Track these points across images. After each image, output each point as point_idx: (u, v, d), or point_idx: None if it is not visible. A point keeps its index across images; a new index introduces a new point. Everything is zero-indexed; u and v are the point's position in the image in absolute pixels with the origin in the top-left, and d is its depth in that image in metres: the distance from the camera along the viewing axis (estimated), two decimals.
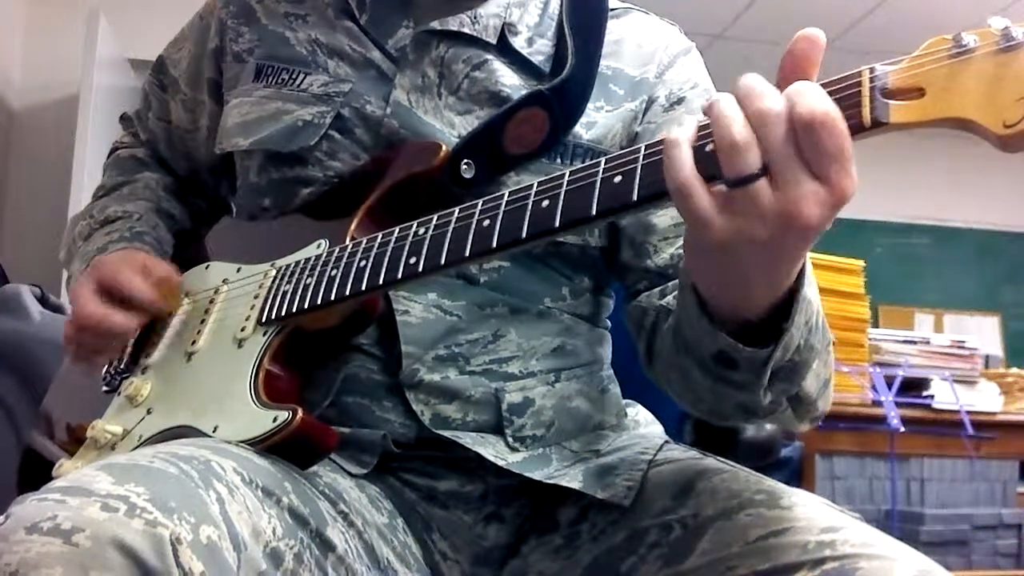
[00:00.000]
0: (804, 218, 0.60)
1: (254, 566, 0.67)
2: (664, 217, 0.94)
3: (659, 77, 1.00)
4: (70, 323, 0.96)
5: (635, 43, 1.01)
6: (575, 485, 0.87)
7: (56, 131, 3.67)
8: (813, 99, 0.59)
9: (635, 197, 0.69)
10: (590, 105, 0.96)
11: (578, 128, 0.94)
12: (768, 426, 1.43)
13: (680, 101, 0.99)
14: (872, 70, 0.63)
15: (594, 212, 0.70)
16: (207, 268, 1.02)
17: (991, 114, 0.59)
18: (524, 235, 0.73)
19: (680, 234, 0.93)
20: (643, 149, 0.70)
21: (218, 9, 1.08)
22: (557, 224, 0.71)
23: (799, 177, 0.59)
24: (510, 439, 0.90)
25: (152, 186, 1.14)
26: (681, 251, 0.92)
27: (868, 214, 5.40)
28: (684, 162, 0.62)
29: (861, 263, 2.74)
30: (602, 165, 0.71)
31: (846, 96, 0.62)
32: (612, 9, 1.02)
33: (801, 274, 0.68)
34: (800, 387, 0.75)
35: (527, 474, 0.88)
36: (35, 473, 0.96)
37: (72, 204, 3.26)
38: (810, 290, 0.69)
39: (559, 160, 0.93)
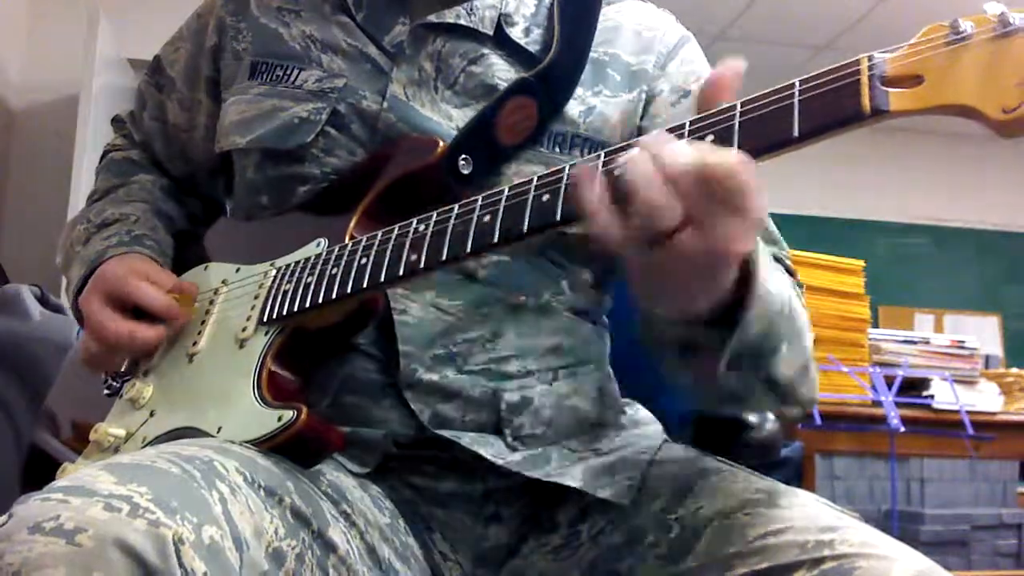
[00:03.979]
0: (733, 252, 0.64)
1: (256, 566, 0.67)
2: None
3: (660, 69, 1.00)
4: (95, 342, 0.94)
5: (632, 29, 1.01)
6: (575, 484, 0.87)
7: (56, 131, 3.67)
8: (706, 152, 0.61)
9: None
10: (588, 90, 0.96)
11: (576, 116, 0.95)
12: (768, 426, 1.43)
13: (687, 95, 0.99)
14: (870, 58, 0.63)
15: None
16: (206, 269, 1.01)
17: (990, 100, 0.59)
18: (526, 229, 0.73)
19: None
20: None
21: (218, 7, 1.08)
22: (559, 217, 0.72)
23: (722, 219, 0.62)
24: (509, 438, 0.90)
25: (148, 187, 1.14)
26: None
27: (868, 214, 5.41)
28: (597, 208, 0.64)
29: (861, 263, 2.74)
30: (602, 157, 0.72)
31: (845, 85, 0.63)
32: None
33: (752, 272, 0.69)
34: (770, 372, 0.76)
35: (526, 473, 0.88)
36: (40, 471, 0.96)
37: (72, 204, 3.26)
38: (766, 285, 0.70)
39: (558, 151, 0.93)
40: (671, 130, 0.70)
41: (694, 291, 0.67)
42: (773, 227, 0.97)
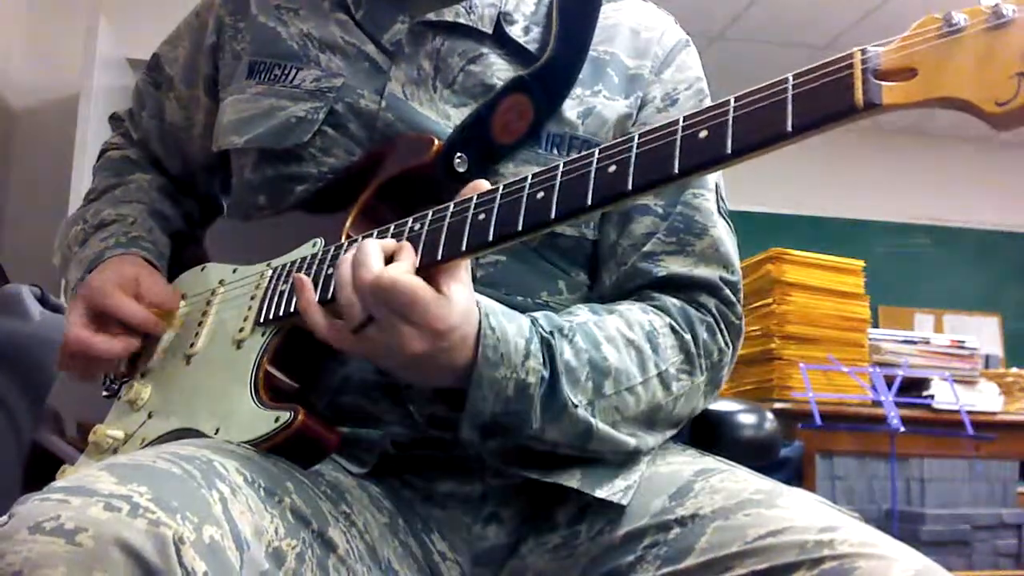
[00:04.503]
0: (408, 351, 0.75)
1: (256, 566, 0.67)
2: (640, 224, 0.95)
3: (656, 75, 1.00)
4: (61, 348, 0.96)
5: (631, 29, 1.01)
6: (573, 484, 0.87)
7: (56, 131, 3.66)
8: (395, 267, 0.74)
9: (630, 186, 0.69)
10: (587, 89, 0.96)
11: (574, 118, 0.95)
12: (767, 425, 1.43)
13: (674, 103, 0.99)
14: (863, 51, 0.63)
15: (590, 202, 0.71)
16: (203, 270, 1.01)
17: (983, 93, 0.59)
18: (520, 227, 0.73)
19: (646, 242, 0.94)
20: (636, 138, 0.70)
21: (217, 6, 1.08)
22: (553, 215, 0.72)
23: (394, 323, 0.75)
24: None
25: (145, 187, 1.13)
26: (641, 262, 0.94)
27: (868, 214, 5.41)
28: (317, 319, 0.80)
29: (861, 263, 2.74)
30: (596, 155, 0.72)
31: (838, 79, 0.63)
32: None
33: (476, 360, 0.78)
34: (529, 436, 0.82)
35: (525, 473, 0.88)
36: (42, 471, 0.96)
37: (72, 204, 3.26)
38: (497, 370, 0.79)
39: (555, 152, 0.93)
40: (666, 125, 0.70)
41: (410, 373, 0.80)
42: (726, 248, 0.96)
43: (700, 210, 0.96)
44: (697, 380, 0.91)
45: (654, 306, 0.92)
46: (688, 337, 0.91)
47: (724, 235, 0.96)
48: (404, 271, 0.74)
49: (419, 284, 0.74)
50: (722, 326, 0.93)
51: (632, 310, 0.90)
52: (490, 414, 0.80)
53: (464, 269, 0.78)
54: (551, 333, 0.83)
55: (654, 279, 0.93)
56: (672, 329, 0.90)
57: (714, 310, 0.93)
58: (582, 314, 0.88)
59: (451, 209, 0.78)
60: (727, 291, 0.94)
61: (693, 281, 0.93)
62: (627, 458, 0.88)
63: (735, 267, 0.97)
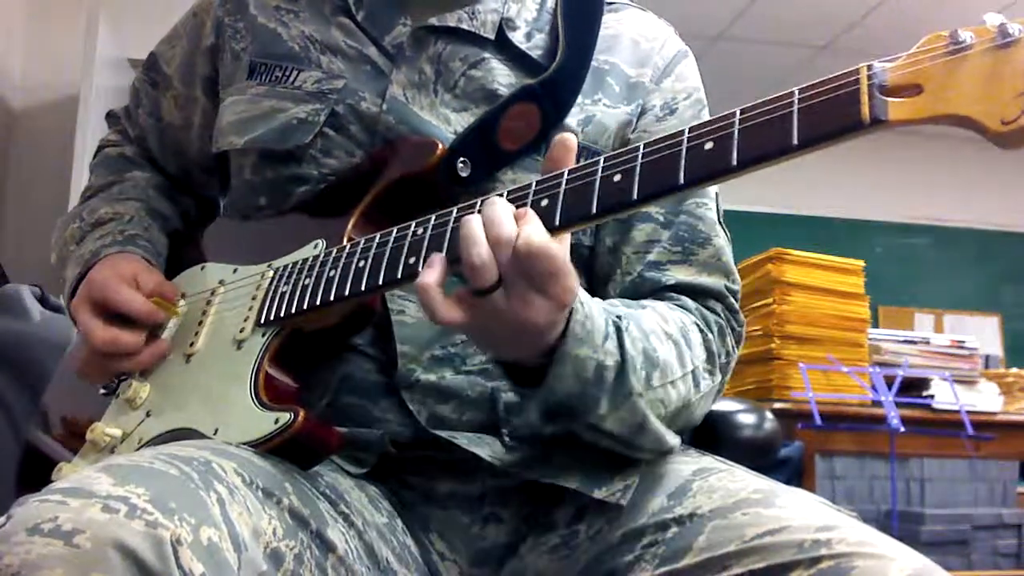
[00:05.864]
0: (532, 323, 0.72)
1: (255, 567, 0.67)
2: (641, 231, 0.95)
3: (656, 84, 1.00)
4: (82, 357, 0.95)
5: (631, 39, 1.01)
6: (572, 484, 0.87)
7: (56, 131, 3.66)
8: (531, 230, 0.70)
9: (635, 195, 0.69)
10: (587, 98, 0.96)
11: (575, 125, 0.95)
12: (767, 425, 1.43)
13: (673, 112, 1.00)
14: (870, 67, 0.63)
15: (594, 210, 0.71)
16: (202, 269, 1.01)
17: (989, 111, 0.59)
18: None
19: (650, 250, 0.95)
20: (642, 147, 0.70)
21: (215, 7, 1.08)
22: (557, 223, 0.72)
23: (525, 292, 0.71)
24: (506, 438, 0.90)
25: (142, 185, 1.13)
26: (648, 271, 0.94)
27: (868, 214, 5.40)
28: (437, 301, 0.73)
29: (861, 263, 2.74)
30: (601, 164, 0.72)
31: (844, 94, 0.63)
32: (609, 3, 1.03)
33: (565, 335, 0.76)
34: (589, 424, 0.81)
35: (524, 474, 0.88)
36: (35, 471, 0.96)
37: (72, 204, 3.24)
38: (582, 348, 0.77)
39: None
40: (671, 136, 0.70)
41: (505, 344, 0.76)
42: (728, 257, 0.98)
43: (703, 220, 0.97)
44: (716, 380, 0.92)
45: (677, 305, 0.93)
46: (709, 336, 0.91)
47: (725, 245, 0.98)
48: (548, 238, 0.70)
49: (562, 253, 0.71)
50: (728, 331, 0.94)
51: (660, 306, 0.90)
52: (565, 394, 0.78)
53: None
54: (619, 317, 0.82)
55: (663, 287, 0.94)
56: (697, 327, 0.91)
57: (722, 315, 0.94)
58: (620, 305, 0.87)
59: (454, 214, 0.78)
60: (731, 299, 0.96)
61: (701, 288, 0.94)
62: (626, 458, 0.88)
63: (736, 276, 0.98)
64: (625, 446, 0.85)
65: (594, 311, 0.78)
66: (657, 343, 0.84)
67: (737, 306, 0.96)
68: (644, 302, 0.91)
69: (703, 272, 0.95)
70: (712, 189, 0.98)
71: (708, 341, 0.91)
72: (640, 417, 0.82)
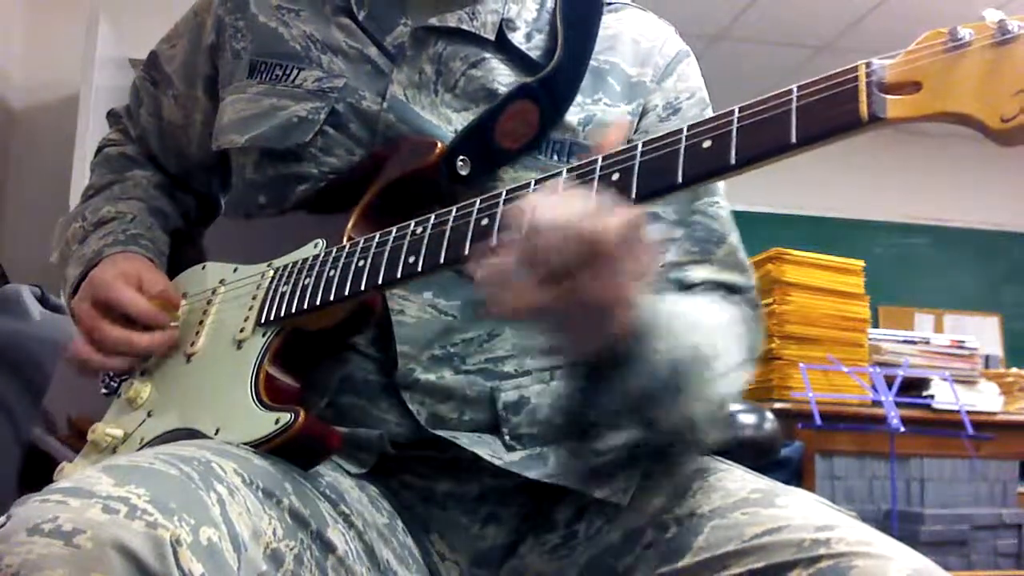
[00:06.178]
0: (624, 299, 0.70)
1: (254, 567, 0.67)
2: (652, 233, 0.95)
3: (657, 83, 1.00)
4: (90, 347, 0.94)
5: (631, 39, 1.01)
6: (572, 484, 0.87)
7: (56, 131, 3.66)
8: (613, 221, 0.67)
9: (634, 195, 0.69)
10: (588, 98, 0.96)
11: (575, 124, 0.95)
12: (767, 425, 1.44)
13: (676, 112, 1.00)
14: (868, 65, 0.63)
15: None
16: (203, 269, 1.01)
17: (988, 108, 0.59)
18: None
19: (668, 251, 0.95)
20: (640, 146, 0.70)
21: (215, 6, 1.08)
22: None
23: (584, 277, 0.67)
24: (507, 438, 0.90)
25: (143, 184, 1.13)
26: (671, 272, 0.94)
27: (868, 214, 5.40)
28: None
29: (861, 263, 2.75)
30: (599, 163, 0.72)
31: (843, 92, 0.63)
32: (608, 3, 1.03)
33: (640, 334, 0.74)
34: (678, 413, 0.78)
35: (524, 473, 0.88)
36: (37, 471, 0.96)
37: (72, 204, 3.23)
38: (666, 341, 0.75)
39: (556, 158, 0.94)
40: (669, 135, 0.70)
41: (577, 333, 0.73)
42: (743, 255, 0.98)
43: (717, 219, 0.98)
44: (748, 373, 0.91)
45: (720, 297, 0.93)
46: (746, 329, 0.91)
47: (738, 241, 0.99)
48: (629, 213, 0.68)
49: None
50: (756, 324, 0.94)
51: (707, 297, 0.91)
52: (662, 370, 0.76)
53: None
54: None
55: (688, 285, 0.94)
56: (740, 319, 0.91)
57: (749, 309, 0.95)
58: (671, 296, 0.86)
59: (454, 213, 0.78)
60: (751, 293, 0.97)
61: (725, 284, 0.95)
62: (626, 458, 0.88)
63: (751, 271, 0.99)
64: (689, 442, 0.83)
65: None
66: (719, 333, 0.84)
67: (758, 300, 0.97)
68: (693, 295, 0.91)
69: (723, 270, 0.96)
70: (719, 186, 0.98)
71: (751, 330, 0.91)
72: (718, 404, 0.81)
